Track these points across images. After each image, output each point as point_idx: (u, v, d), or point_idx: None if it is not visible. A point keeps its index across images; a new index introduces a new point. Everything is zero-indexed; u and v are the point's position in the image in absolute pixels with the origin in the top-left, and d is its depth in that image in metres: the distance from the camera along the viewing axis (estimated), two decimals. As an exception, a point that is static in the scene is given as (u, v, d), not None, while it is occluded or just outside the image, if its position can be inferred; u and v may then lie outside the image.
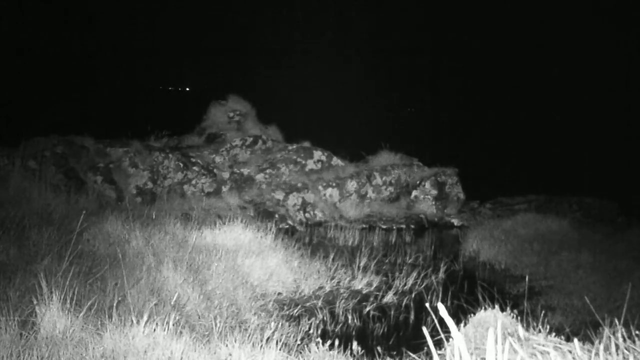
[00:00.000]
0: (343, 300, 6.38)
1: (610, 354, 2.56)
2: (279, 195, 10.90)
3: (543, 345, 2.74)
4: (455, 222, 11.58)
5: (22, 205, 6.50)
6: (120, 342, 3.64)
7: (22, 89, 27.16)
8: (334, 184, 11.47)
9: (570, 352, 2.64)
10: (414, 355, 3.45)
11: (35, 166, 9.13)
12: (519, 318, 4.31)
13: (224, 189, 10.95)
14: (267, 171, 11.47)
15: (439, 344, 3.29)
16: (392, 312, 6.31)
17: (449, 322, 2.19)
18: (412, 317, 6.19)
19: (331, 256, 7.57)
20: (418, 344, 4.24)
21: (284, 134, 13.11)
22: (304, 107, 28.00)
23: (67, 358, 3.48)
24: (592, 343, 2.74)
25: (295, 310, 5.98)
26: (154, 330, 3.80)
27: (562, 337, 3.08)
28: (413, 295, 6.74)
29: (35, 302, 3.90)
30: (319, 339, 4.43)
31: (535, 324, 4.02)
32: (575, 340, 2.63)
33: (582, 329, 4.81)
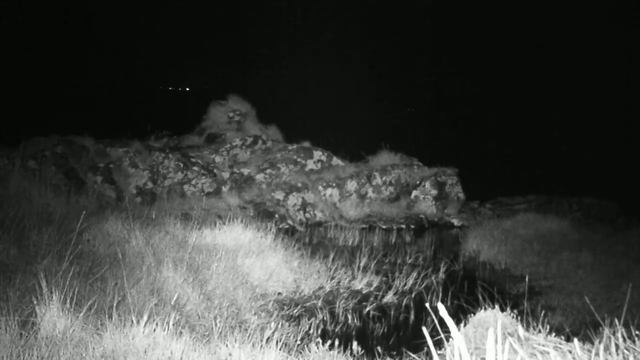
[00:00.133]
0: (343, 300, 6.38)
1: (610, 354, 2.56)
2: (279, 195, 10.90)
3: (543, 345, 2.74)
4: (455, 222, 11.58)
5: (22, 205, 6.50)
6: (120, 342, 3.64)
7: (22, 89, 27.15)
8: (334, 184, 11.47)
9: (570, 352, 2.64)
10: (414, 355, 3.45)
11: (35, 166, 9.12)
12: (519, 318, 4.31)
13: (224, 189, 10.95)
14: (267, 171, 11.47)
15: (439, 344, 3.29)
16: (392, 312, 6.31)
17: (449, 322, 2.19)
18: (412, 317, 6.19)
19: (331, 256, 7.57)
20: (418, 344, 4.24)
21: (284, 134, 13.11)
22: (304, 107, 27.96)
23: (67, 358, 3.48)
24: (592, 343, 2.74)
25: (295, 310, 5.98)
26: (154, 330, 3.80)
27: (562, 337, 3.08)
28: (413, 295, 6.74)
29: (35, 302, 3.90)
30: (319, 339, 4.43)
31: (535, 324, 4.02)
32: (575, 340, 2.63)
33: (582, 329, 4.82)
